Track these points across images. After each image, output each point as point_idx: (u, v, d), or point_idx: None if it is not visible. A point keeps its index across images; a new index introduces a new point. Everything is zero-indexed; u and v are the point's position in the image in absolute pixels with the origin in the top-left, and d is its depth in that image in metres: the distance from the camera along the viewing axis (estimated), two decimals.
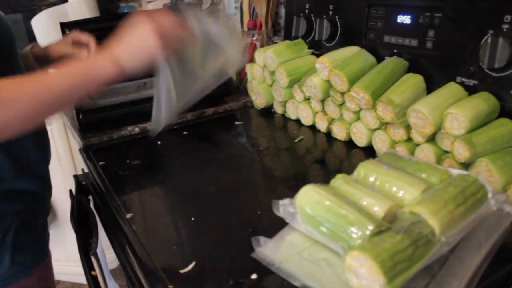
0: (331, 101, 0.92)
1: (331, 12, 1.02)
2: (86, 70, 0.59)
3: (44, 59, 0.89)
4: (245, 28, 1.33)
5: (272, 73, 1.05)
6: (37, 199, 0.79)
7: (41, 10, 1.64)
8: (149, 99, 1.09)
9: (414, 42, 0.83)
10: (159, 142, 0.94)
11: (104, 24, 1.17)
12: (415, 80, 0.80)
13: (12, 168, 0.72)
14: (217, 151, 0.88)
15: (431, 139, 0.74)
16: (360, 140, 0.87)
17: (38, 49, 0.90)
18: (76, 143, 0.76)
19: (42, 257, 0.80)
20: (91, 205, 0.89)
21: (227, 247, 0.60)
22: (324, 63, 0.89)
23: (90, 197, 0.90)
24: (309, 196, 0.55)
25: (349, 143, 0.91)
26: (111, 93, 1.07)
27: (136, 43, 0.61)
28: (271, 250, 0.54)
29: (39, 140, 0.79)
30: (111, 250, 0.72)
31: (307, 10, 1.09)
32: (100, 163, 0.88)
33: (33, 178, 0.77)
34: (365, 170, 0.60)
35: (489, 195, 0.54)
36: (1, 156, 0.70)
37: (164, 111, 0.69)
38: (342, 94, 0.87)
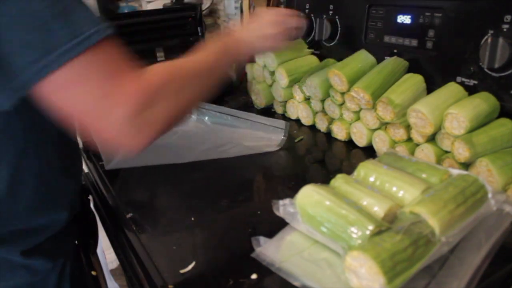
0: (331, 101, 0.92)
1: (331, 12, 1.02)
2: (224, 48, 0.67)
3: None
4: None
5: (272, 73, 1.05)
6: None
7: None
8: None
9: (414, 42, 0.83)
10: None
11: None
12: (415, 80, 0.80)
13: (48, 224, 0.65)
14: (216, 151, 0.88)
15: (431, 139, 0.74)
16: (360, 140, 0.87)
17: None
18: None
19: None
20: (91, 205, 0.89)
21: (227, 247, 0.60)
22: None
23: (90, 197, 0.90)
24: (309, 196, 0.55)
25: (349, 143, 0.91)
26: None
27: (259, 32, 0.74)
28: (271, 250, 0.54)
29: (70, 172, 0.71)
30: (111, 250, 0.72)
31: (307, 10, 1.09)
32: (100, 163, 0.88)
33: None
34: (365, 170, 0.60)
35: (489, 195, 0.54)
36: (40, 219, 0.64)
37: None
38: (342, 94, 0.87)
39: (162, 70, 0.53)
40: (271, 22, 0.75)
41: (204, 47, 0.64)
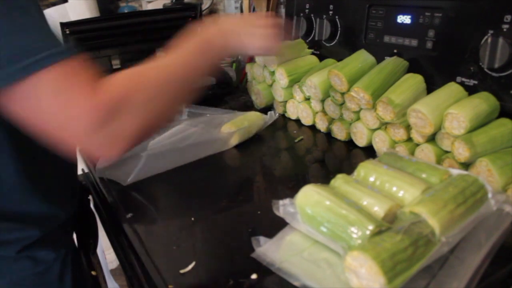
0: (331, 101, 0.92)
1: (331, 12, 1.02)
2: (203, 45, 0.61)
3: None
4: None
5: (272, 73, 1.05)
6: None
7: None
8: None
9: (414, 42, 0.83)
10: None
11: (104, 24, 1.17)
12: (415, 80, 0.80)
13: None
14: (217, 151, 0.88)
15: (431, 139, 0.74)
16: (360, 140, 0.87)
17: None
18: None
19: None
20: (91, 205, 0.89)
21: (227, 247, 0.60)
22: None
23: (90, 197, 0.90)
24: (309, 196, 0.55)
25: (349, 143, 0.91)
26: None
27: (248, 26, 0.67)
28: (271, 250, 0.54)
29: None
30: (111, 250, 0.72)
31: (307, 10, 1.09)
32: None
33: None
34: (365, 170, 0.60)
35: (489, 195, 0.54)
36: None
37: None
38: (342, 94, 0.87)
39: (124, 80, 0.51)
40: (260, 21, 0.69)
41: (179, 45, 0.59)
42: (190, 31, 0.62)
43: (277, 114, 0.99)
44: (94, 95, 0.47)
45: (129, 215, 0.67)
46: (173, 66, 0.57)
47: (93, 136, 0.47)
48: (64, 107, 0.46)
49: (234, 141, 0.91)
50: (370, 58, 0.90)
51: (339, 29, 1.01)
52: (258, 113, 0.97)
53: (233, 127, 0.89)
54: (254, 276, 0.52)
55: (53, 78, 0.45)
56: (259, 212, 0.67)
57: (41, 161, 0.63)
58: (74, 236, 0.81)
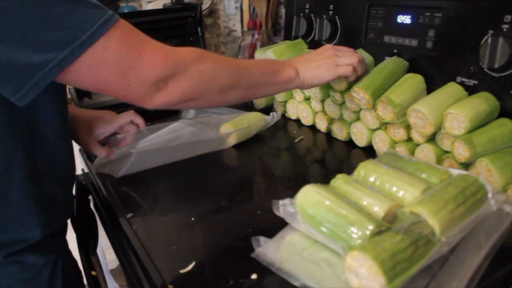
0: (331, 101, 0.92)
1: (331, 12, 1.02)
2: (274, 67, 0.71)
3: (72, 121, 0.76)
4: (245, 28, 1.33)
5: None
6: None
7: None
8: None
9: (414, 42, 0.83)
10: None
11: None
12: (415, 80, 0.80)
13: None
14: (216, 151, 0.88)
15: (431, 139, 0.74)
16: (360, 140, 0.87)
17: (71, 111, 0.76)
18: (76, 143, 0.76)
19: None
20: (91, 205, 0.89)
21: (227, 247, 0.60)
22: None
23: (90, 197, 0.90)
24: (309, 196, 0.55)
25: (349, 143, 0.91)
26: None
27: (316, 64, 0.75)
28: (271, 250, 0.54)
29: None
30: (111, 250, 0.72)
31: (307, 10, 1.09)
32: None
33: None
34: (365, 170, 0.60)
35: (489, 195, 0.54)
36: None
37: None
38: (342, 94, 0.87)
39: (195, 49, 0.58)
40: (325, 52, 0.77)
41: (264, 60, 0.68)
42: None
43: (279, 116, 0.99)
44: (163, 49, 0.54)
45: (129, 215, 0.68)
46: (239, 66, 0.64)
47: (155, 83, 0.53)
48: (139, 57, 0.52)
49: (232, 141, 0.91)
50: (370, 58, 0.90)
51: (339, 29, 1.01)
52: (259, 114, 0.97)
53: (231, 127, 0.89)
54: (254, 276, 0.52)
55: (121, 34, 0.51)
56: (259, 212, 0.67)
57: (43, 171, 0.61)
58: (71, 240, 0.80)
